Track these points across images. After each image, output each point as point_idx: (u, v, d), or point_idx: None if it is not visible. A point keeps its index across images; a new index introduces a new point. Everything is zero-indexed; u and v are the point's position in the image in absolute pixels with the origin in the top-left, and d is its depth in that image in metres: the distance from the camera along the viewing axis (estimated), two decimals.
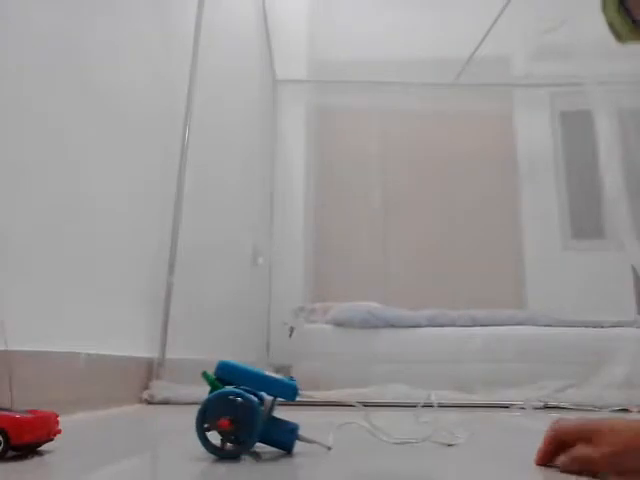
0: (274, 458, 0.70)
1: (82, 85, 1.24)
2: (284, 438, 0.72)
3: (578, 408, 1.51)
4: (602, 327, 2.48)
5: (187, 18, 1.97)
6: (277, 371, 2.42)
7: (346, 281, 3.64)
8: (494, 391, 1.79)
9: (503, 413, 1.48)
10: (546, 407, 1.54)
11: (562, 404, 1.55)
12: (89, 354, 1.21)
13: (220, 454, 0.68)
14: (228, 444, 0.68)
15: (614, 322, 2.50)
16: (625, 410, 1.45)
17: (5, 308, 0.91)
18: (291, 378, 0.74)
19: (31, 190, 1.06)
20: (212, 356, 2.14)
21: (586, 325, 2.51)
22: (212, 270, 2.17)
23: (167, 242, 1.76)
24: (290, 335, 2.74)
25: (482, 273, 3.67)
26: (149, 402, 1.50)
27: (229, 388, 0.71)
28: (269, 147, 3.63)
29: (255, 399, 0.69)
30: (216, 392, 0.70)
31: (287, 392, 0.72)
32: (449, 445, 0.80)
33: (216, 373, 0.73)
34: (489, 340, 2.51)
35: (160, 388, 1.54)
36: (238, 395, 0.69)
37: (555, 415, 0.70)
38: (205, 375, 0.73)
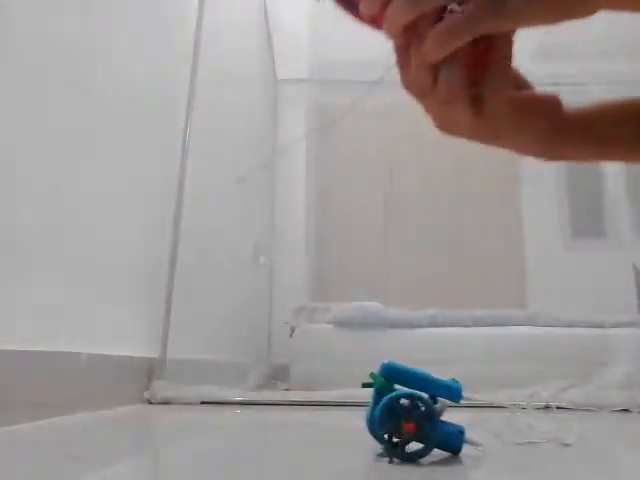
0: (444, 460, 0.69)
1: (82, 85, 1.24)
2: (453, 440, 0.71)
3: (579, 408, 1.50)
4: (603, 327, 2.48)
5: (188, 17, 1.97)
6: (276, 371, 2.42)
7: (347, 281, 3.64)
8: (495, 391, 1.79)
9: (505, 413, 1.48)
10: (547, 407, 1.54)
11: (563, 404, 1.55)
12: (90, 354, 1.21)
13: (401, 457, 0.66)
14: (408, 447, 0.67)
15: (615, 322, 2.50)
16: (626, 410, 1.45)
17: (7, 309, 0.92)
18: (455, 380, 0.74)
19: (31, 190, 1.06)
20: (213, 356, 2.14)
21: (587, 325, 2.51)
22: (213, 270, 2.17)
23: (168, 242, 1.76)
24: (291, 335, 2.75)
25: (483, 273, 3.67)
26: (150, 402, 1.50)
27: (405, 391, 0.71)
28: (270, 146, 3.63)
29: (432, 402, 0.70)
30: (395, 395, 0.70)
31: (453, 394, 0.73)
32: (566, 445, 0.80)
33: (382, 374, 0.73)
34: (490, 340, 2.51)
35: (161, 388, 1.54)
36: (419, 399, 0.69)
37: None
38: (373, 376, 0.73)
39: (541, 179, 3.87)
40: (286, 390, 2.14)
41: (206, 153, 2.08)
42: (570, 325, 2.53)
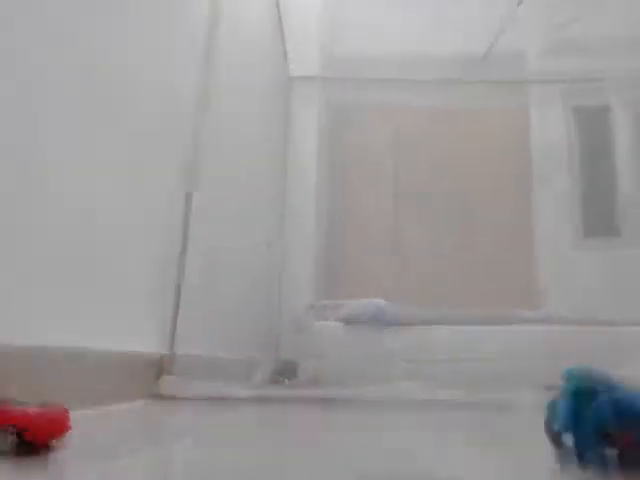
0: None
1: (93, 84, 1.23)
2: None
3: None
4: (616, 325, 2.45)
5: (201, 15, 1.96)
6: (283, 367, 2.43)
7: (357, 278, 3.63)
8: (507, 390, 1.78)
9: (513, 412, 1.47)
10: None
11: None
12: (100, 350, 1.21)
13: (613, 467, 0.63)
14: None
15: (628, 320, 2.47)
16: None
17: (17, 307, 0.92)
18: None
19: (39, 189, 1.06)
20: (222, 352, 2.14)
21: (600, 323, 2.49)
22: (222, 266, 2.17)
23: (178, 239, 1.76)
24: (299, 332, 2.75)
25: (494, 271, 3.64)
26: (159, 398, 1.50)
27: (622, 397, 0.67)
28: (282, 143, 3.62)
29: None
30: (608, 401, 0.66)
31: None
32: None
33: (576, 379, 0.71)
34: (501, 338, 2.49)
35: (170, 384, 1.54)
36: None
37: None
38: (572, 377, 0.71)
39: (553, 177, 3.84)
40: (294, 387, 2.14)
41: (219, 149, 2.08)
42: (583, 324, 2.50)
